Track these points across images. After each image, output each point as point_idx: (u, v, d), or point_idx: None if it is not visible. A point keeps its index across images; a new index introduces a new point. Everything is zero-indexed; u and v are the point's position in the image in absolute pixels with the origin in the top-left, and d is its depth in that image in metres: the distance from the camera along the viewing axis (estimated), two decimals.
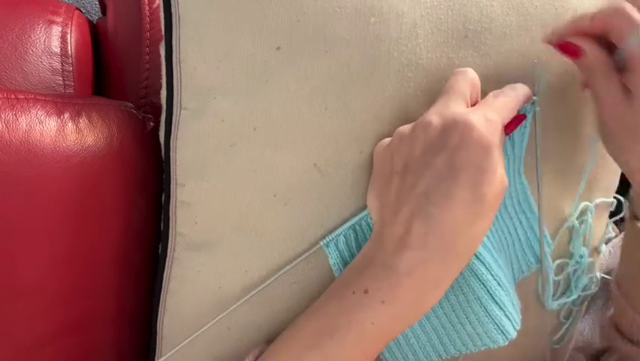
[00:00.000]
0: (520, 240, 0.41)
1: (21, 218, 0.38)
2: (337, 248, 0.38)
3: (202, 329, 0.36)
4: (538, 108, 0.37)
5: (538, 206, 0.41)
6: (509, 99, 0.35)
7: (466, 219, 0.32)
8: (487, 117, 0.33)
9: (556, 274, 0.44)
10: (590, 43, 0.36)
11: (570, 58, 0.38)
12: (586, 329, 0.53)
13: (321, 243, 0.37)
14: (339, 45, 0.36)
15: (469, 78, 0.35)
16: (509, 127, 0.35)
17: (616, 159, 0.40)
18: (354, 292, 0.34)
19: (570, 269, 0.44)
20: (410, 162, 0.34)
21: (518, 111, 0.36)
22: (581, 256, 0.44)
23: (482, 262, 0.35)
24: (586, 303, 0.43)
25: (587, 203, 0.44)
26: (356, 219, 0.37)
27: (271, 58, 0.36)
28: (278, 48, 0.36)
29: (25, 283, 0.39)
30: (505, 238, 0.40)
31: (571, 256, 0.44)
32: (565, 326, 0.46)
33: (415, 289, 0.33)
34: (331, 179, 0.38)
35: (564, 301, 0.45)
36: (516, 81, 0.38)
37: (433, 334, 0.39)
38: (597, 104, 0.37)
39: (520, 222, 0.41)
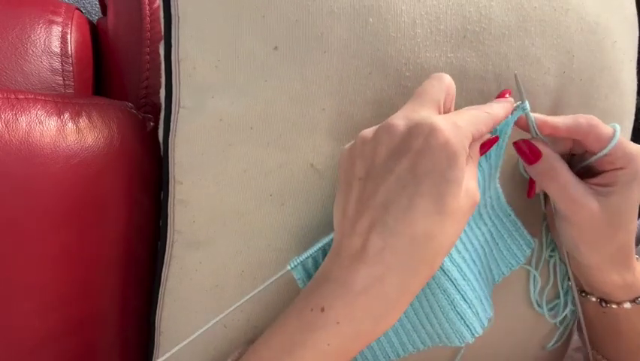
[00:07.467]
0: (497, 245, 0.41)
1: (21, 218, 0.38)
2: (304, 269, 0.37)
3: (197, 333, 0.35)
4: (527, 109, 0.36)
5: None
6: (484, 113, 0.33)
7: (427, 234, 0.30)
8: (456, 124, 0.31)
9: (550, 276, 0.44)
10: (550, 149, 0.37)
11: (526, 160, 0.38)
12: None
13: (289, 267, 0.36)
14: (338, 45, 0.36)
15: (445, 84, 0.33)
16: (483, 147, 0.34)
17: (580, 258, 0.40)
18: (312, 310, 0.32)
19: (554, 267, 0.45)
20: (372, 168, 0.32)
21: (495, 131, 0.36)
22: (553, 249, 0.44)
23: (448, 278, 0.36)
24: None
25: None
26: (326, 240, 0.36)
27: (269, 57, 0.36)
28: (276, 48, 0.36)
29: (26, 283, 0.39)
30: (482, 246, 0.40)
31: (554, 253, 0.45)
32: (559, 331, 0.46)
33: (371, 308, 0.31)
34: (328, 179, 0.38)
35: (556, 304, 0.45)
36: (514, 83, 0.37)
37: (401, 329, 0.40)
38: (568, 211, 0.38)
39: (496, 227, 0.41)
